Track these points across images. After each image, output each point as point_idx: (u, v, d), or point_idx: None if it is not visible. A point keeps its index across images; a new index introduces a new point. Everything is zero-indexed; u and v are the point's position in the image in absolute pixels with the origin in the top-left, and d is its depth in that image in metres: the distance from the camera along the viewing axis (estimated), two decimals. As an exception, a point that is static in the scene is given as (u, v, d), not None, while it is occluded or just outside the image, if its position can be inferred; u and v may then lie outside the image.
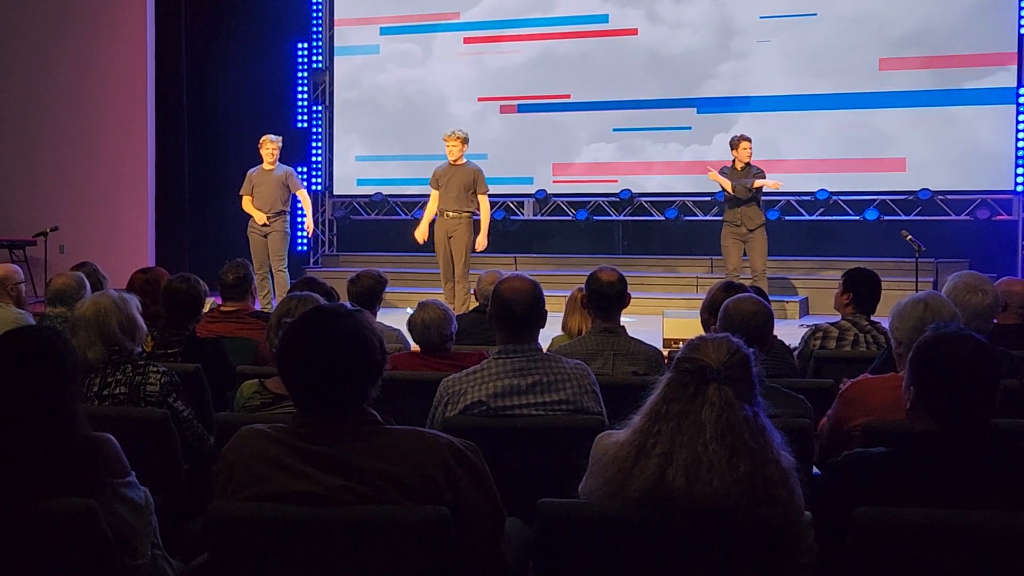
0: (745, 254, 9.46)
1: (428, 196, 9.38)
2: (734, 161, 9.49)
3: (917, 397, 2.35)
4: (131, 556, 2.44)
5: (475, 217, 9.15)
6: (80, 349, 3.48)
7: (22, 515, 2.26)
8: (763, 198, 10.75)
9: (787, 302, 9.98)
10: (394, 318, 6.02)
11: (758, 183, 9.40)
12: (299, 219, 10.90)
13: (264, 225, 9.30)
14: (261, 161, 9.44)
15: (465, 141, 9.04)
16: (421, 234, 9.27)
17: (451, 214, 9.03)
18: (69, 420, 2.40)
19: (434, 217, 9.20)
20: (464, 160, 9.08)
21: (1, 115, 12.04)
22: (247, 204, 9.40)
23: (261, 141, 9.43)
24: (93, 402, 3.45)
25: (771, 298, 5.00)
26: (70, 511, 2.25)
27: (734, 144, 9.51)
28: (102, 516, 2.28)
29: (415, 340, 4.35)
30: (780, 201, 11.20)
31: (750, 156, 9.43)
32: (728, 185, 9.38)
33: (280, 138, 9.53)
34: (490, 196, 9.36)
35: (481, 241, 9.13)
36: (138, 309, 3.68)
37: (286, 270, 9.33)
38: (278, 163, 9.44)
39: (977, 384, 2.29)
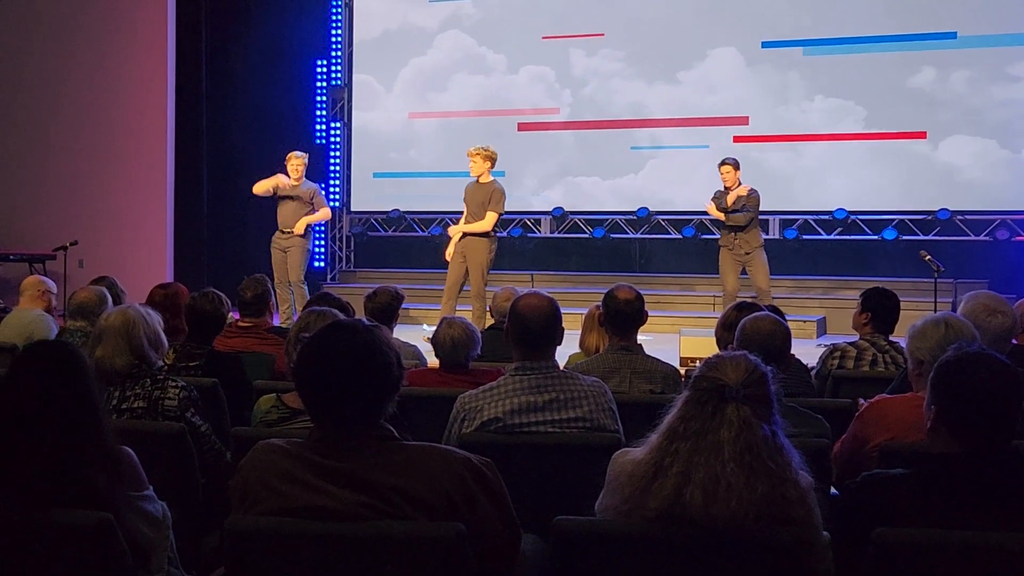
0: (744, 273, 9.33)
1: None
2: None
3: (938, 417, 2.34)
4: (146, 570, 2.44)
5: (487, 235, 8.81)
6: (107, 357, 3.52)
7: (40, 525, 2.27)
8: (779, 216, 10.73)
9: (804, 321, 9.92)
10: (410, 334, 6.04)
11: (730, 199, 9.19)
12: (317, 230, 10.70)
13: (286, 237, 9.35)
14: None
15: (487, 158, 8.72)
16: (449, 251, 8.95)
17: (467, 232, 8.79)
18: (97, 431, 2.40)
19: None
20: (490, 178, 8.78)
21: (22, 130, 12.15)
22: (260, 184, 9.44)
23: (288, 157, 9.45)
24: (111, 415, 3.46)
25: (788, 317, 4.98)
26: (87, 523, 2.25)
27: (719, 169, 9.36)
28: (119, 529, 2.28)
29: (440, 357, 4.34)
30: (798, 220, 11.17)
31: (731, 180, 9.20)
32: (716, 213, 9.34)
33: (305, 155, 9.57)
34: (507, 213, 9.13)
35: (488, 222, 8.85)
36: (160, 325, 3.71)
37: (304, 284, 9.36)
38: (304, 179, 9.49)
39: (999, 405, 2.28)
